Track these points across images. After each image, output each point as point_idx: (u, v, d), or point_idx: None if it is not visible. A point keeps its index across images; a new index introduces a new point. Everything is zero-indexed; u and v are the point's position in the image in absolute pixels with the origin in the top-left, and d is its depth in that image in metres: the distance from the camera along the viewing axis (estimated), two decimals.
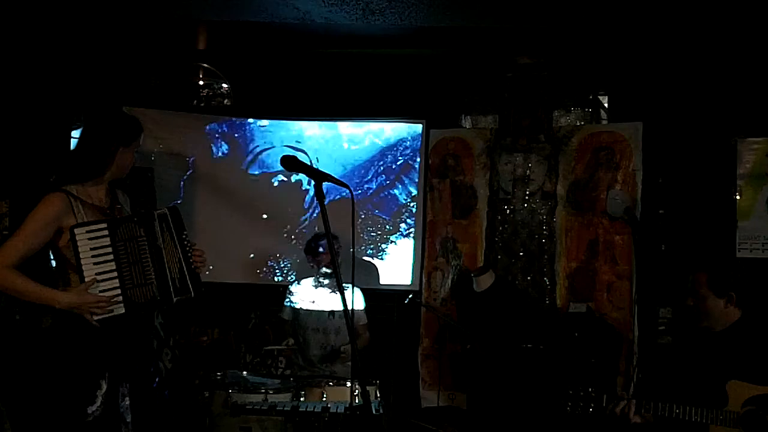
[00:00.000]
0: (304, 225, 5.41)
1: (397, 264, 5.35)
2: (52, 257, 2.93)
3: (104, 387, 2.80)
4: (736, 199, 4.65)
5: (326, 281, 4.65)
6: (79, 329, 2.79)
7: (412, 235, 5.35)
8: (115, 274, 2.81)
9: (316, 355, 4.58)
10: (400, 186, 5.38)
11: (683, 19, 4.29)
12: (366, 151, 5.44)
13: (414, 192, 5.36)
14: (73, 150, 3.01)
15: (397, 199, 5.39)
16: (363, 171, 5.43)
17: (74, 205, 2.84)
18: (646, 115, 4.80)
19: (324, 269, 4.66)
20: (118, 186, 3.08)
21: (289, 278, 5.35)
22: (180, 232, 2.98)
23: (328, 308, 4.62)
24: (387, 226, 5.38)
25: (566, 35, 4.68)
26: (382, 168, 5.41)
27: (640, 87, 4.92)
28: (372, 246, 5.38)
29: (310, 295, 4.69)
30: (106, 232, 2.81)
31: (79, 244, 2.75)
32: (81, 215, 2.83)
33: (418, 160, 5.35)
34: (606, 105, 5.10)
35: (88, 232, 2.78)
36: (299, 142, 5.48)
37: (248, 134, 5.49)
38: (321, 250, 4.66)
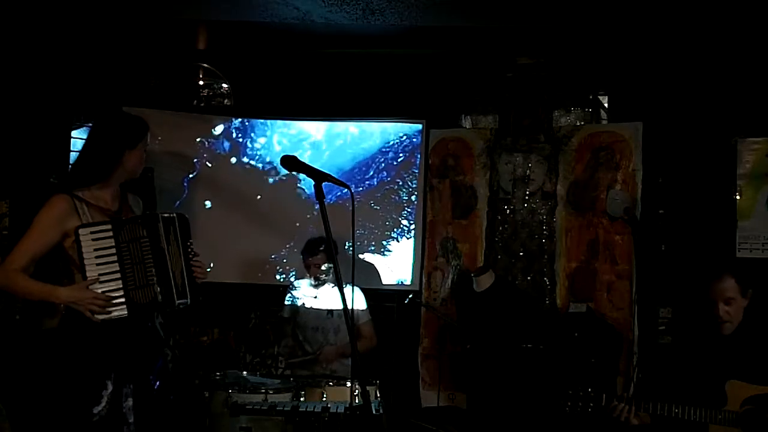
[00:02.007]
0: (304, 224, 5.41)
1: (397, 263, 5.35)
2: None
3: (110, 387, 2.81)
4: (736, 199, 4.65)
5: (325, 278, 4.63)
6: (86, 330, 2.80)
7: (413, 233, 5.35)
8: (119, 275, 2.81)
9: (323, 350, 4.58)
10: (400, 182, 5.38)
11: (683, 19, 4.29)
12: (367, 148, 5.44)
13: (414, 187, 5.35)
14: (79, 154, 3.02)
15: (399, 195, 5.39)
16: (364, 168, 5.43)
17: (79, 207, 2.85)
18: (646, 115, 4.80)
19: (322, 268, 4.64)
20: (129, 189, 3.08)
21: (289, 278, 5.35)
22: (186, 238, 2.99)
23: (327, 307, 4.62)
24: (387, 222, 5.38)
25: (566, 35, 4.69)
26: (383, 165, 5.41)
27: (640, 87, 4.92)
28: (374, 242, 5.38)
29: (309, 294, 4.69)
30: (110, 233, 2.81)
31: (83, 244, 2.76)
32: (86, 217, 2.84)
33: (418, 155, 5.35)
34: (606, 105, 5.10)
35: (92, 233, 2.79)
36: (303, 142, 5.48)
37: (248, 134, 5.49)
38: (310, 258, 4.63)
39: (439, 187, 5.18)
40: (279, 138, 5.51)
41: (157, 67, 5.33)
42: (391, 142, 5.41)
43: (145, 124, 3.03)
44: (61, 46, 4.87)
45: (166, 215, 2.95)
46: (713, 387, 3.13)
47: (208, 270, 3.13)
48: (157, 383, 2.97)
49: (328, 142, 5.47)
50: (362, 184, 5.39)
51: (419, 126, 5.36)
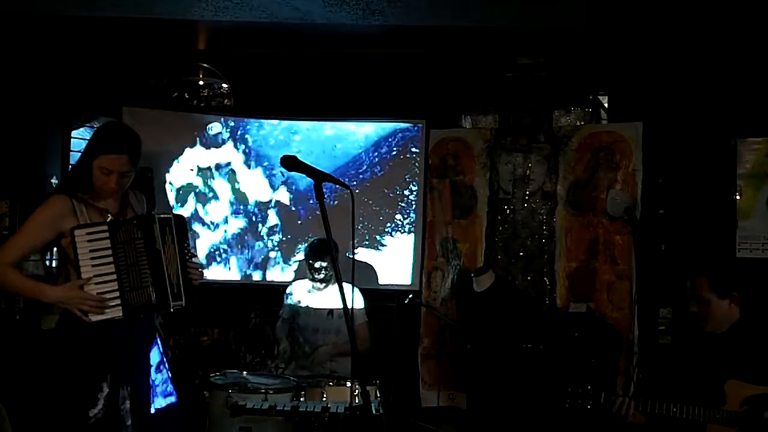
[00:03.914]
0: (303, 224, 5.41)
1: (396, 263, 5.35)
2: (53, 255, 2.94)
3: (105, 390, 2.79)
4: (736, 199, 4.65)
5: (322, 276, 4.63)
6: (82, 331, 2.78)
7: (409, 227, 5.33)
8: (114, 276, 2.79)
9: (316, 354, 4.58)
10: (394, 177, 5.37)
11: (683, 19, 4.29)
12: (360, 144, 5.43)
13: (408, 182, 5.36)
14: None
15: (392, 190, 5.38)
16: (358, 163, 5.42)
17: (77, 207, 2.83)
18: (646, 115, 4.80)
19: (320, 266, 4.63)
20: (131, 187, 3.04)
21: (288, 278, 5.35)
22: (182, 240, 2.95)
23: (327, 308, 4.62)
24: (381, 217, 5.38)
25: (566, 35, 4.68)
26: (376, 159, 5.41)
27: (640, 87, 4.92)
28: (367, 237, 5.37)
29: (309, 295, 4.69)
30: (106, 234, 2.78)
31: (78, 245, 2.73)
32: (84, 218, 2.82)
33: (412, 149, 5.34)
34: (606, 105, 5.10)
35: (88, 233, 2.76)
36: (294, 142, 5.47)
37: (248, 134, 5.49)
38: (317, 265, 4.63)
39: (439, 187, 5.18)
40: (278, 137, 5.50)
41: (157, 67, 5.33)
42: (385, 137, 5.41)
43: (97, 148, 2.84)
44: (61, 46, 4.87)
45: (162, 216, 2.91)
46: (712, 386, 3.14)
47: (205, 269, 3.11)
48: (154, 388, 2.94)
49: (322, 138, 5.47)
50: (356, 179, 5.38)
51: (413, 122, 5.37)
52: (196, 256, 3.04)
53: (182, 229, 2.98)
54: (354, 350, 3.69)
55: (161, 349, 3.05)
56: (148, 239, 2.84)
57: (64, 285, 2.79)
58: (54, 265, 4.55)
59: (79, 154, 2.97)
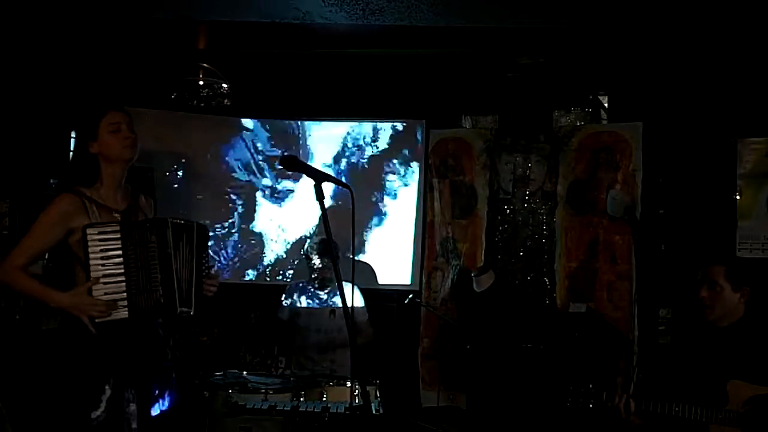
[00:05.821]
0: (304, 225, 5.41)
1: (396, 263, 5.35)
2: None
3: (108, 392, 2.77)
4: (736, 199, 4.65)
5: (322, 275, 4.63)
6: (85, 333, 2.77)
7: (397, 225, 5.34)
8: (122, 277, 2.77)
9: (317, 354, 4.58)
10: (388, 170, 5.39)
11: (683, 19, 4.29)
12: (353, 143, 5.45)
13: (402, 174, 5.39)
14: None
15: (385, 188, 5.41)
16: (352, 160, 5.45)
17: (88, 206, 2.82)
18: (646, 115, 4.80)
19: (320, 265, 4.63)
20: (142, 190, 3.04)
21: (287, 278, 5.35)
22: (200, 250, 2.94)
23: (328, 308, 4.61)
24: (375, 213, 5.39)
25: (566, 35, 4.68)
26: (370, 157, 5.42)
27: (640, 87, 4.92)
28: (365, 232, 5.38)
29: (314, 295, 4.68)
30: (118, 235, 2.77)
31: (89, 244, 2.73)
32: (95, 216, 2.81)
33: (405, 150, 5.37)
34: (606, 105, 5.10)
35: (100, 233, 2.75)
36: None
37: (248, 134, 5.49)
38: (317, 263, 4.63)
39: (439, 187, 5.18)
40: (278, 138, 5.50)
41: (157, 67, 5.32)
42: (377, 136, 5.42)
43: (100, 108, 2.90)
44: (60, 46, 4.86)
45: (179, 222, 2.89)
46: (714, 386, 3.13)
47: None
48: (156, 391, 2.93)
49: (315, 138, 5.47)
50: (347, 177, 5.40)
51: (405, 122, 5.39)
52: (213, 267, 3.01)
53: (201, 238, 2.95)
54: (354, 350, 3.70)
55: (167, 350, 3.04)
56: (161, 243, 2.82)
57: (71, 291, 2.77)
58: (52, 265, 4.56)
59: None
